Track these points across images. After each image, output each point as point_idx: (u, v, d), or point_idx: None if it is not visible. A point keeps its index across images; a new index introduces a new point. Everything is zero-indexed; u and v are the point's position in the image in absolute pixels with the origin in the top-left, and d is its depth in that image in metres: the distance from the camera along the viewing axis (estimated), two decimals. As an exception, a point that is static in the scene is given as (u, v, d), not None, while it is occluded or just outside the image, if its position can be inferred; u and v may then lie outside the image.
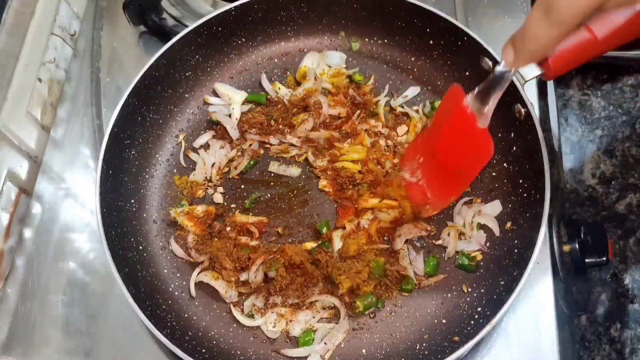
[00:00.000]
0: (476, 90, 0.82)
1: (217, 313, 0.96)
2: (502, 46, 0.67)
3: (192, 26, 1.05)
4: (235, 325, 0.95)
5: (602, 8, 0.56)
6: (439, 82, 1.10)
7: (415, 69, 1.12)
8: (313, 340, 0.92)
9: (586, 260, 0.95)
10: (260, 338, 0.94)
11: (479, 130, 0.83)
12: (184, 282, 0.98)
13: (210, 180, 1.05)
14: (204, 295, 0.97)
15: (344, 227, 0.97)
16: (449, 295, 0.94)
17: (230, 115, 1.09)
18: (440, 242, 0.97)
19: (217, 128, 1.09)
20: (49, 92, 1.17)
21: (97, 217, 0.92)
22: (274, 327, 0.93)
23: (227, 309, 0.96)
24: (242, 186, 1.05)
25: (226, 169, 1.06)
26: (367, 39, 1.14)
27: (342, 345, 0.93)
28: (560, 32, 0.58)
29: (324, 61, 1.10)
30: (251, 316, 0.94)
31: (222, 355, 0.92)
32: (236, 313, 0.94)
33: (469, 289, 0.94)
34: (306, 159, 1.06)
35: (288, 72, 1.12)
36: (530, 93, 1.03)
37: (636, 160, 0.94)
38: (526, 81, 0.80)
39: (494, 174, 1.01)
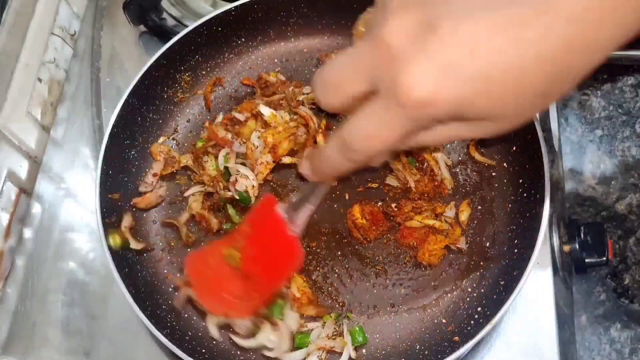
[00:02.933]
0: (292, 199, 0.83)
1: (217, 313, 0.96)
2: (300, 161, 0.69)
3: (192, 26, 1.04)
4: (235, 325, 0.95)
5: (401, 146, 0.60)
6: (439, 82, 1.09)
7: (415, 69, 1.11)
8: (310, 342, 0.91)
9: (586, 260, 0.95)
10: (260, 338, 0.94)
11: (289, 236, 0.80)
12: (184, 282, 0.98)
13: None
14: (204, 295, 0.97)
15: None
16: (449, 295, 0.94)
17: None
18: None
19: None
20: (49, 92, 1.17)
21: (97, 217, 0.92)
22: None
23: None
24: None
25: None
26: (367, 39, 1.14)
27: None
28: (354, 166, 0.61)
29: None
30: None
31: (222, 355, 0.92)
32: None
33: (469, 289, 0.94)
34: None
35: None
36: (530, 93, 1.02)
37: (636, 160, 0.94)
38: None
39: (494, 174, 1.01)
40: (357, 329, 0.91)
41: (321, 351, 0.90)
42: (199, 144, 1.04)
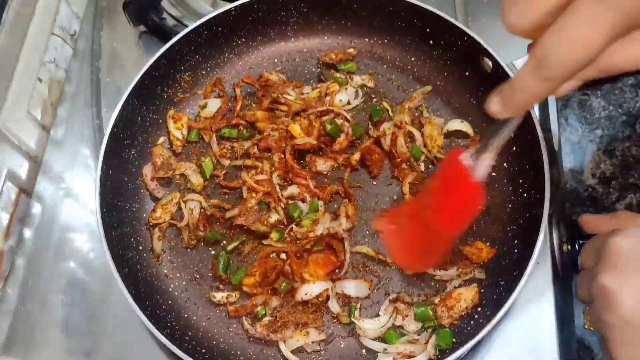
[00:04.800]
0: (477, 145, 0.81)
1: (217, 313, 0.96)
2: (489, 98, 0.67)
3: (192, 26, 1.05)
4: (235, 326, 0.95)
5: (588, 70, 0.58)
6: (439, 82, 1.10)
7: (415, 69, 1.12)
8: (398, 342, 0.91)
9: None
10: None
11: (472, 183, 0.79)
12: (184, 282, 0.98)
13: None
14: (203, 295, 0.97)
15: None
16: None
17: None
18: None
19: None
20: (49, 92, 1.17)
21: (97, 217, 0.92)
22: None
23: (227, 310, 0.95)
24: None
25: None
26: (367, 39, 1.14)
27: (342, 345, 0.93)
28: (550, 87, 0.59)
29: None
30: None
31: (222, 355, 0.92)
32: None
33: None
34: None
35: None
36: (530, 93, 1.02)
37: (636, 160, 0.94)
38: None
39: (494, 174, 1.01)
40: (447, 331, 0.90)
41: (399, 356, 0.90)
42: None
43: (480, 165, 0.77)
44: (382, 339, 0.92)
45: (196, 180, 1.03)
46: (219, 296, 0.95)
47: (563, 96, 0.63)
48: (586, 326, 0.77)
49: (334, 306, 0.93)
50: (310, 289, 0.93)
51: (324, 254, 0.96)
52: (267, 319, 0.94)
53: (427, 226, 0.88)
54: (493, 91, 0.66)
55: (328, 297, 0.93)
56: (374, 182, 1.04)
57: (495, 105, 0.66)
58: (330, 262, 0.95)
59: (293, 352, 0.91)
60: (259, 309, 0.94)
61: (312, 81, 1.13)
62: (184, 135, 1.07)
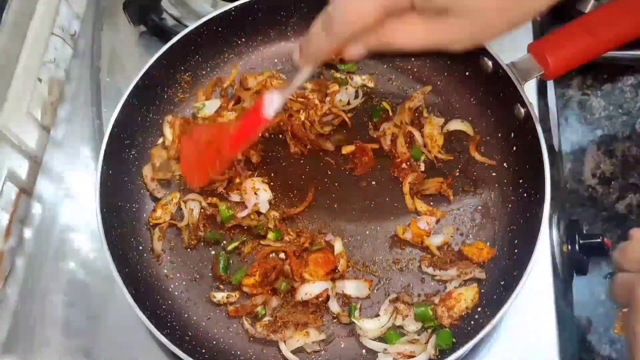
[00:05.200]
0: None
1: (217, 313, 0.96)
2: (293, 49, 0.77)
3: (192, 26, 1.05)
4: (235, 326, 0.95)
5: (372, 40, 0.71)
6: (439, 82, 1.10)
7: (415, 69, 1.12)
8: (398, 342, 0.91)
9: (585, 258, 0.95)
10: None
11: (258, 115, 0.86)
12: (184, 282, 0.98)
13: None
14: (203, 295, 0.97)
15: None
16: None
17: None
18: None
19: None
20: (49, 92, 1.17)
21: (97, 217, 0.92)
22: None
23: (227, 310, 0.95)
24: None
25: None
26: (367, 39, 1.14)
27: (342, 345, 0.93)
28: (335, 43, 0.70)
29: None
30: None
31: (222, 355, 0.92)
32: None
33: (469, 289, 0.94)
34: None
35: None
36: (530, 93, 1.02)
37: (636, 160, 0.94)
38: (526, 81, 0.80)
39: (494, 174, 1.01)
40: (447, 331, 0.90)
41: (399, 356, 0.89)
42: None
43: (269, 103, 0.84)
44: (382, 339, 0.91)
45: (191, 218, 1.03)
46: (219, 296, 0.95)
47: (351, 61, 0.82)
48: (615, 331, 0.77)
49: (334, 306, 0.93)
50: (310, 289, 0.93)
51: (324, 253, 0.96)
52: (267, 319, 0.94)
53: (216, 145, 0.93)
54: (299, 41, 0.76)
55: (328, 297, 0.93)
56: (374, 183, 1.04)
57: (295, 54, 0.77)
58: (330, 261, 0.95)
59: (293, 352, 0.91)
60: (259, 308, 0.94)
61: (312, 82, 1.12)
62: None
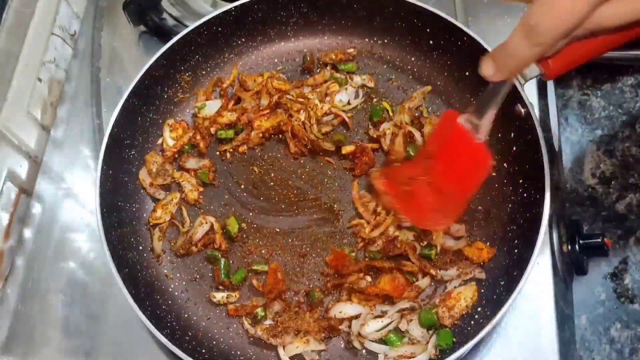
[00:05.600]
0: (471, 107, 0.83)
1: (217, 313, 0.96)
2: (481, 62, 0.71)
3: (192, 26, 1.05)
4: (235, 326, 0.95)
5: (578, 29, 0.65)
6: (439, 82, 1.10)
7: (415, 69, 1.12)
8: (399, 344, 0.90)
9: (585, 258, 0.95)
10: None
11: (476, 144, 0.81)
12: (184, 282, 0.98)
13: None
14: (203, 295, 0.97)
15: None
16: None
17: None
18: None
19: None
20: (49, 92, 1.17)
21: (97, 217, 0.92)
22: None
23: (227, 310, 0.95)
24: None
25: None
26: (367, 39, 1.14)
27: (342, 346, 0.92)
28: (539, 51, 0.65)
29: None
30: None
31: (222, 355, 0.92)
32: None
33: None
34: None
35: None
36: (530, 93, 1.03)
37: (636, 160, 0.94)
38: (526, 81, 0.80)
39: (494, 174, 1.01)
40: (448, 331, 0.89)
41: (400, 357, 0.89)
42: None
43: (483, 125, 0.79)
44: (383, 341, 0.91)
45: (191, 195, 1.03)
46: (219, 296, 0.95)
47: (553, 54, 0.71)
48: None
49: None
50: (345, 309, 0.92)
51: (394, 278, 0.94)
52: (268, 322, 0.94)
53: (437, 188, 0.88)
54: (484, 56, 0.70)
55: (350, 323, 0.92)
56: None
57: (489, 69, 0.72)
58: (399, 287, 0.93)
59: (291, 357, 0.91)
60: (258, 310, 0.94)
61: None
62: (177, 144, 1.06)
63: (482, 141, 0.80)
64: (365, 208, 0.98)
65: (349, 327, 0.92)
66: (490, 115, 0.79)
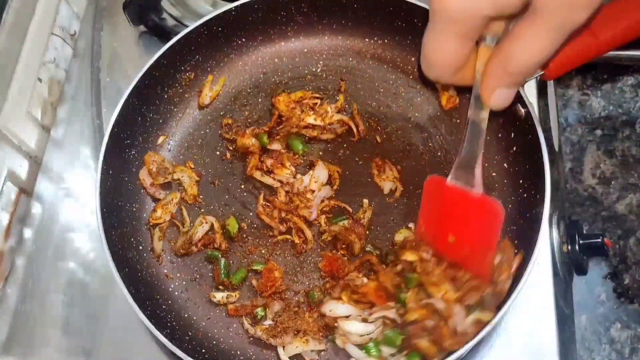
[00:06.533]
0: (456, 163, 0.81)
1: (217, 313, 0.96)
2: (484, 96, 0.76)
3: (192, 26, 1.04)
4: (235, 326, 0.95)
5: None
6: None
7: (415, 69, 1.12)
8: (378, 356, 0.88)
9: (585, 258, 0.95)
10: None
11: (476, 199, 0.79)
12: (184, 282, 0.98)
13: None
14: (203, 295, 0.97)
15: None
16: (449, 295, 0.94)
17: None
18: None
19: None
20: (49, 92, 1.17)
21: (97, 217, 0.92)
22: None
23: (227, 310, 0.95)
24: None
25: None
26: (367, 39, 1.14)
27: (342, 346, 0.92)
28: (518, 82, 0.76)
29: None
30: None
31: (222, 355, 0.92)
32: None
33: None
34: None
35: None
36: (530, 93, 1.03)
37: (636, 160, 0.94)
38: (526, 81, 0.80)
39: (494, 174, 1.01)
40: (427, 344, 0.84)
41: None
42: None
43: (477, 175, 0.80)
44: (362, 347, 0.89)
45: (190, 190, 1.03)
46: (219, 296, 0.95)
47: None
48: None
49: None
50: (335, 308, 0.91)
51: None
52: (268, 322, 0.94)
53: (459, 263, 0.83)
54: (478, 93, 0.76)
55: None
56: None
57: (501, 96, 0.77)
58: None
59: (291, 357, 0.91)
60: (258, 310, 0.94)
61: (313, 82, 1.12)
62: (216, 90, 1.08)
63: (480, 192, 0.79)
64: (271, 217, 0.99)
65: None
66: (479, 162, 0.79)
